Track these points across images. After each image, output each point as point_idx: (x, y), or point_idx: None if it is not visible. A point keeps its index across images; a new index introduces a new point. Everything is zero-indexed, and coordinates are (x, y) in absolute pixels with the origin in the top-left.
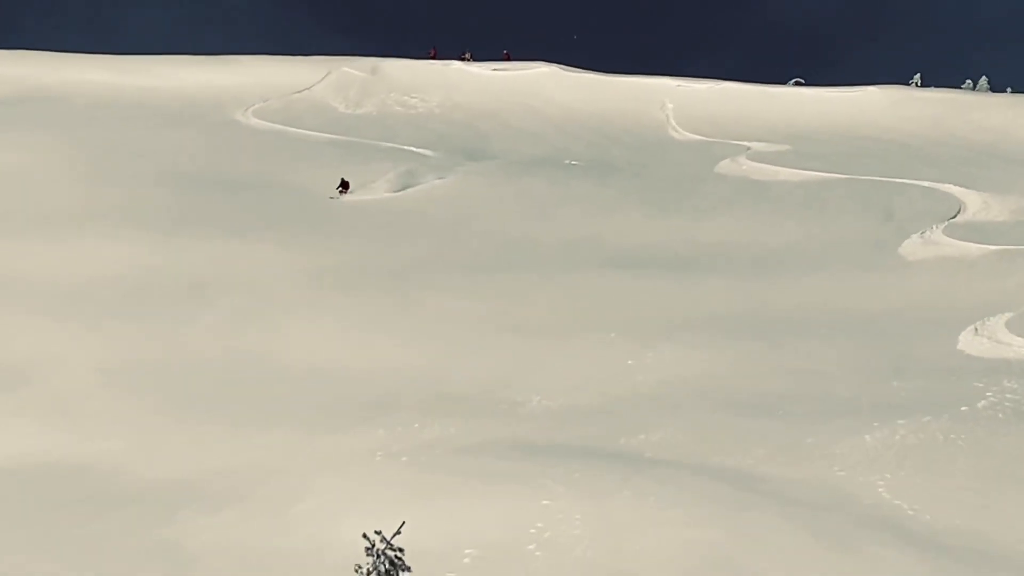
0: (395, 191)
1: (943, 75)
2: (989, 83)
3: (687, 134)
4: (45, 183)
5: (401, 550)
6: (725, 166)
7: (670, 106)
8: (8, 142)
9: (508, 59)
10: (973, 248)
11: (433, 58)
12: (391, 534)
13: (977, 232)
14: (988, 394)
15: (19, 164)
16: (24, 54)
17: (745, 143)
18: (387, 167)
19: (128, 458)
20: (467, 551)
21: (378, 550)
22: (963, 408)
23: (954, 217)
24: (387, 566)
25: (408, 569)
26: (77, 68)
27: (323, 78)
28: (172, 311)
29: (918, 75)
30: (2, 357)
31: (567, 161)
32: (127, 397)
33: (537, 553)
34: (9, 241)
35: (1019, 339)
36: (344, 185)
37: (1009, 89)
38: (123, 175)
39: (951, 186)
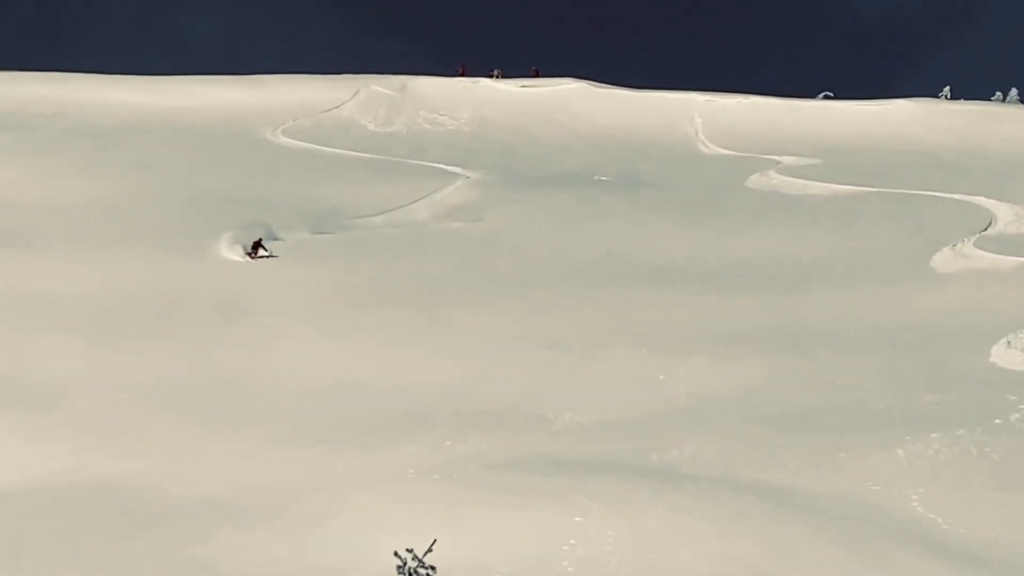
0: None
1: (973, 87)
2: (1020, 95)
3: (716, 148)
4: (76, 202)
5: (433, 568)
6: (755, 180)
7: (699, 120)
8: (40, 163)
9: (537, 75)
10: (1005, 261)
11: (462, 75)
12: (423, 552)
13: (1009, 245)
14: (1021, 407)
15: (51, 184)
16: (56, 75)
17: (775, 157)
18: (417, 185)
19: (161, 477)
20: (500, 569)
21: (410, 568)
22: (996, 421)
23: (985, 230)
24: None
25: None
26: (108, 88)
27: (352, 96)
28: (204, 329)
29: (948, 87)
30: (35, 377)
31: (596, 176)
32: (159, 416)
33: (570, 570)
34: (42, 260)
35: None
36: (256, 246)
37: None
38: (153, 194)
39: (982, 198)
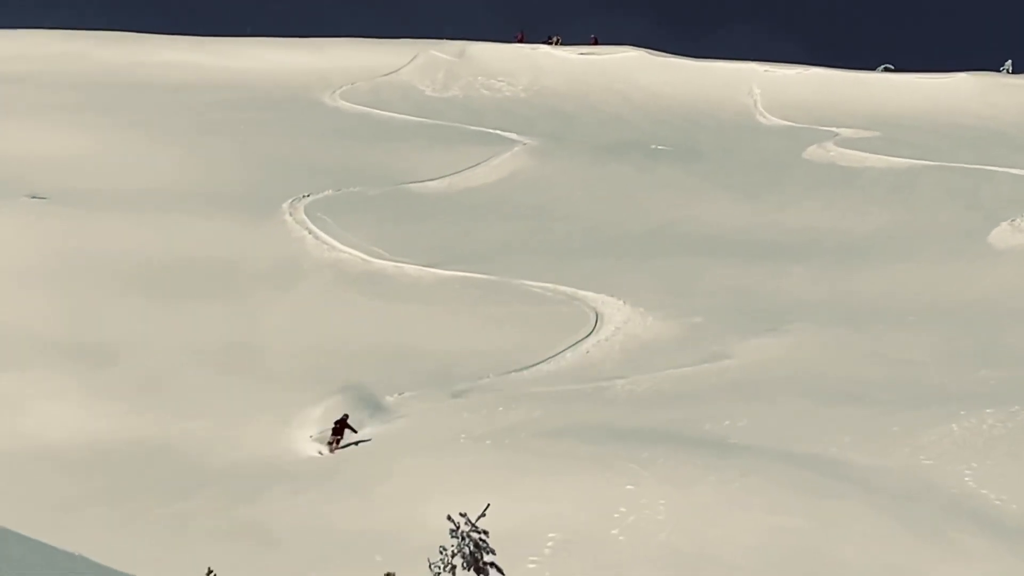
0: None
1: None
2: None
3: (774, 119)
4: (134, 163)
5: (486, 532)
6: (812, 152)
7: (757, 91)
8: (100, 123)
9: (596, 43)
10: None
11: (520, 41)
12: (475, 516)
13: None
14: None
15: (109, 144)
16: (115, 35)
17: (833, 129)
18: (473, 151)
19: (214, 437)
20: (550, 535)
21: (463, 532)
22: None
23: None
24: (471, 548)
25: (492, 552)
26: (167, 49)
27: (410, 61)
28: (259, 292)
29: (1009, 62)
30: (93, 336)
31: (653, 146)
32: (214, 377)
33: (620, 538)
34: (100, 221)
35: None
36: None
37: None
38: (210, 156)
39: None
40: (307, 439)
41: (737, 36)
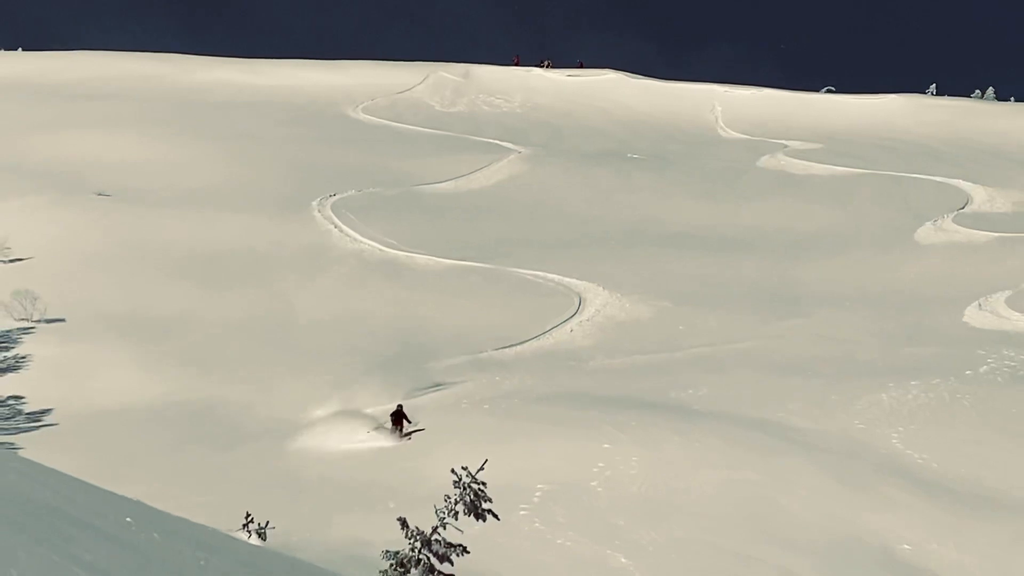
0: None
1: (955, 85)
2: (995, 93)
3: (733, 133)
4: (186, 167)
5: (484, 483)
6: (765, 161)
7: (719, 109)
8: (156, 130)
9: (581, 67)
10: (978, 235)
11: (516, 65)
12: (476, 470)
13: (982, 221)
14: (989, 360)
15: (164, 151)
16: (169, 56)
17: (783, 142)
18: (476, 158)
19: (252, 400)
20: (538, 486)
21: (464, 483)
22: (967, 372)
23: (962, 208)
24: (471, 497)
25: (489, 500)
26: (217, 69)
27: (422, 80)
28: (291, 277)
29: (934, 85)
30: (149, 313)
31: (629, 154)
32: (252, 349)
33: (599, 489)
34: (156, 216)
35: (1017, 313)
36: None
37: (1012, 98)
38: (252, 161)
39: (960, 181)
40: (320, 414)
41: (712, 58)
